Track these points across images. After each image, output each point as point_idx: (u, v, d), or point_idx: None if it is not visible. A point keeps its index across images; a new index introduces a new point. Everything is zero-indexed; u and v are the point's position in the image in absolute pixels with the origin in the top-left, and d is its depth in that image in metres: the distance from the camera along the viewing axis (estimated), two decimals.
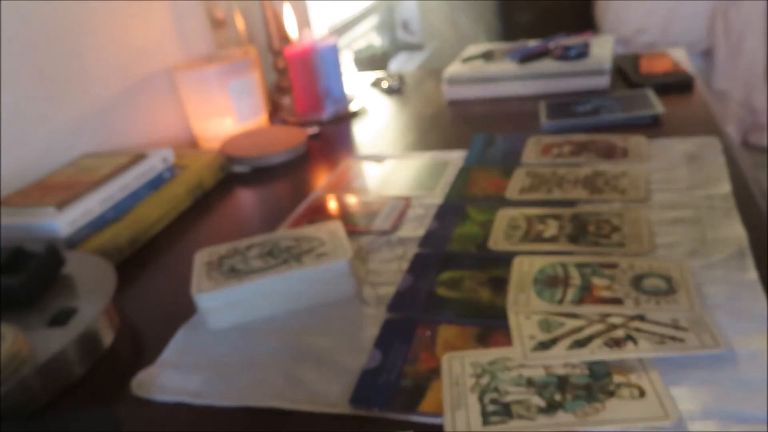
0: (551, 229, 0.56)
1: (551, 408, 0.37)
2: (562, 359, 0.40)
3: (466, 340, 0.44)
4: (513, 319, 0.45)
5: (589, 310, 0.44)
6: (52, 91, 0.74)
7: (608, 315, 0.44)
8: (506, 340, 0.43)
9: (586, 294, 0.46)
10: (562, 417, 0.36)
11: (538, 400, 0.37)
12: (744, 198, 0.57)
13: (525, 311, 0.45)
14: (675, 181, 0.62)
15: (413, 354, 0.43)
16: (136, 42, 0.87)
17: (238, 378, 0.44)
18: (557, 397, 0.37)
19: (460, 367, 0.41)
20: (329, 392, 0.41)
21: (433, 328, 0.46)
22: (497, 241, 0.56)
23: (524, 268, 0.50)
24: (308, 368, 0.44)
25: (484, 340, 0.44)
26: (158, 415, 0.42)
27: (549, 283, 0.48)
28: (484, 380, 0.39)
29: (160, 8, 0.92)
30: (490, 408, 0.37)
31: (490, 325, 0.45)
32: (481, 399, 0.38)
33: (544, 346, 0.41)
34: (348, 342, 0.46)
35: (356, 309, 0.50)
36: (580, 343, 0.41)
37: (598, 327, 0.43)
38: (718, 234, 0.52)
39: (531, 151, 0.73)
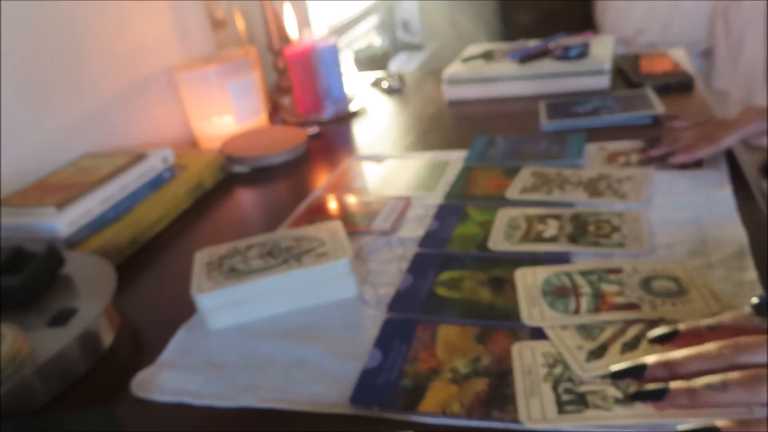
0: (551, 229, 0.56)
1: (628, 399, 0.36)
2: (622, 365, 0.38)
3: (466, 340, 0.44)
4: (551, 333, 0.43)
5: (608, 317, 0.44)
6: (52, 91, 0.74)
7: (631, 322, 0.43)
8: (506, 340, 0.43)
9: (599, 301, 0.46)
10: (639, 408, 0.36)
11: (614, 391, 0.37)
12: (744, 198, 0.57)
13: (553, 325, 0.44)
14: (675, 182, 0.62)
15: (413, 354, 0.43)
16: (136, 42, 0.87)
17: (238, 378, 0.44)
18: (632, 388, 0.37)
19: (531, 356, 0.41)
20: (329, 392, 0.41)
21: (433, 328, 0.46)
22: (497, 241, 0.56)
23: (528, 281, 0.50)
24: (308, 368, 0.44)
25: (484, 340, 0.44)
26: (158, 415, 0.42)
27: (558, 293, 0.47)
28: (557, 370, 0.40)
29: (160, 8, 0.92)
30: (565, 397, 0.37)
31: (490, 325, 0.45)
32: (555, 388, 0.38)
33: (595, 354, 0.41)
34: (348, 342, 0.46)
35: (356, 309, 0.50)
36: (630, 345, 0.41)
37: (639, 326, 0.42)
38: (718, 234, 0.52)
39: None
